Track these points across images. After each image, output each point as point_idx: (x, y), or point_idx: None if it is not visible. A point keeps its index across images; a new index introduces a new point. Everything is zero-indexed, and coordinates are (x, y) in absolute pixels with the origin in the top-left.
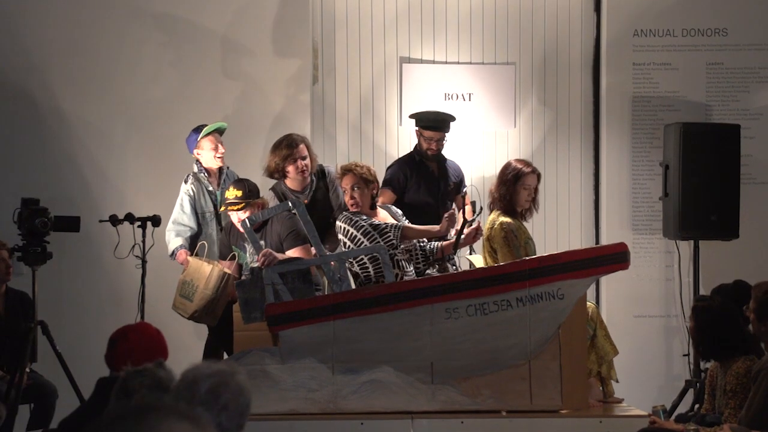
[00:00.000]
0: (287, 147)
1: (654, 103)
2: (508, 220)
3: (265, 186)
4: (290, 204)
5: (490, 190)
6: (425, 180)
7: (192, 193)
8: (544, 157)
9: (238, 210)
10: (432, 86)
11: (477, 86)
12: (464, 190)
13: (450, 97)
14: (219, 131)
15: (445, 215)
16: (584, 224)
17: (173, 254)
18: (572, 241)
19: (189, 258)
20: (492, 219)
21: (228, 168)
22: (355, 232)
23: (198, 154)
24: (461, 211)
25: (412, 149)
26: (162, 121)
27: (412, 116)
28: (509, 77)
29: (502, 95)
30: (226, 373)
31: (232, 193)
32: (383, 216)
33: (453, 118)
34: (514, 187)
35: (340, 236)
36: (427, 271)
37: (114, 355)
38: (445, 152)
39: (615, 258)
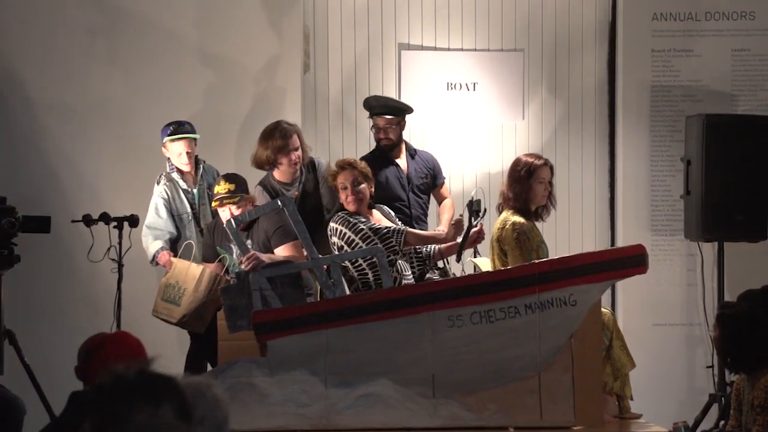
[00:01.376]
0: (281, 138)
1: (675, 92)
2: (521, 220)
3: (250, 179)
4: (279, 203)
5: (501, 191)
6: (391, 174)
7: (166, 195)
8: (555, 152)
9: (233, 203)
10: (433, 75)
11: (482, 75)
12: (472, 194)
13: (453, 86)
14: (190, 139)
15: (452, 221)
16: (599, 225)
17: (154, 258)
18: (586, 243)
19: (173, 259)
20: (503, 219)
21: (205, 162)
22: (352, 236)
23: (165, 153)
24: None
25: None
26: (141, 113)
27: (364, 104)
28: (517, 65)
29: (509, 85)
30: (201, 384)
31: (224, 187)
32: (378, 217)
33: (408, 108)
34: (529, 183)
35: (334, 239)
36: (427, 276)
37: (89, 366)
38: (434, 145)
39: (632, 261)
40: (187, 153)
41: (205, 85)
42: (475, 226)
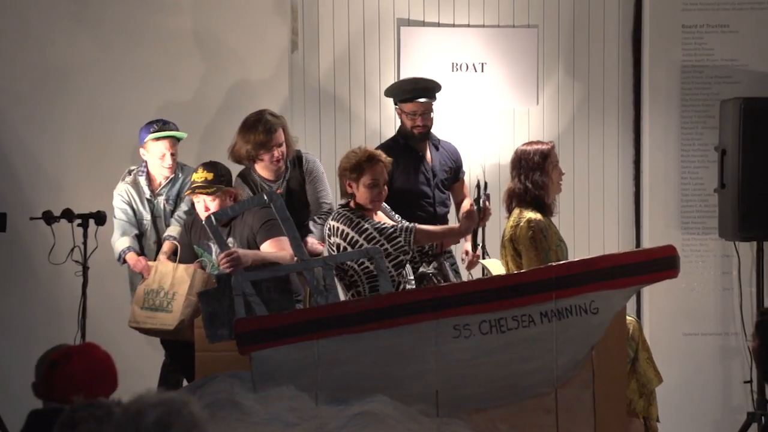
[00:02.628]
0: (264, 132)
1: (708, 74)
2: (537, 216)
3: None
4: (266, 197)
5: (508, 189)
6: (414, 166)
7: (126, 195)
8: (573, 141)
9: (207, 194)
10: (436, 55)
11: (491, 54)
12: (478, 173)
13: (458, 67)
14: (175, 138)
15: (463, 213)
16: (622, 223)
17: (120, 257)
18: (608, 244)
19: (152, 262)
20: (516, 216)
21: (185, 166)
22: (355, 236)
23: (144, 154)
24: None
25: (395, 133)
26: (110, 99)
27: (387, 93)
28: (530, 43)
29: (521, 65)
30: (176, 402)
31: (200, 175)
32: (380, 215)
33: (438, 86)
34: (544, 169)
35: (334, 239)
36: (421, 269)
37: (51, 381)
38: (439, 132)
39: (661, 264)
40: (171, 154)
41: (178, 65)
42: (481, 205)
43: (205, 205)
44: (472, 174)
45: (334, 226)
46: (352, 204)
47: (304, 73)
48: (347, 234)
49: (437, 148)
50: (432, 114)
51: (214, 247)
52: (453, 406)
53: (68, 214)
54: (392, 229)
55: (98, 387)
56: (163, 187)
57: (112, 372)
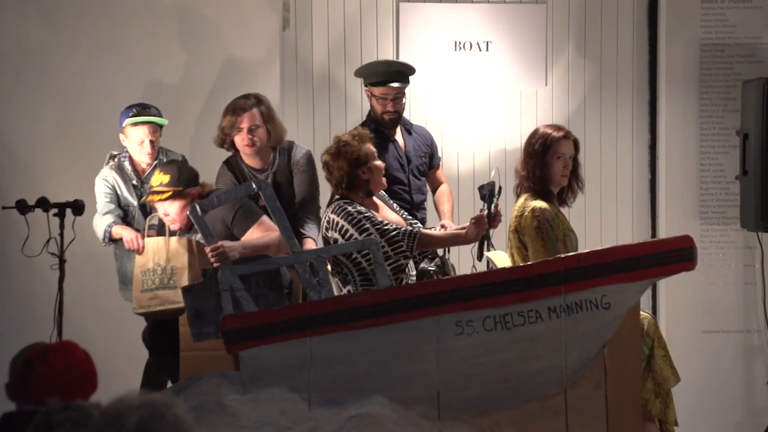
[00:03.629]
0: (232, 112)
1: (729, 52)
2: (542, 204)
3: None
4: (254, 185)
5: (515, 169)
6: (388, 152)
7: (110, 184)
8: (584, 125)
9: (162, 200)
10: (438, 32)
11: (497, 32)
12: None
13: (461, 46)
14: (156, 124)
15: (473, 218)
16: (637, 212)
17: (106, 236)
18: (621, 234)
19: (142, 240)
20: (521, 204)
21: (169, 152)
22: (355, 234)
23: (123, 139)
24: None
25: (365, 117)
26: (89, 81)
27: (357, 73)
28: (539, 20)
29: (529, 44)
30: (159, 404)
31: (157, 179)
32: (384, 213)
33: (411, 69)
34: (544, 159)
35: (330, 233)
36: (420, 266)
37: (26, 382)
38: (439, 116)
39: (678, 255)
40: (151, 141)
41: (162, 45)
42: (492, 211)
43: (164, 210)
44: (477, 160)
45: (333, 219)
46: (357, 193)
47: (297, 52)
48: (346, 231)
49: (410, 133)
50: (404, 99)
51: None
52: (455, 408)
53: (43, 203)
54: (395, 232)
55: (76, 388)
56: (150, 172)
57: (91, 372)
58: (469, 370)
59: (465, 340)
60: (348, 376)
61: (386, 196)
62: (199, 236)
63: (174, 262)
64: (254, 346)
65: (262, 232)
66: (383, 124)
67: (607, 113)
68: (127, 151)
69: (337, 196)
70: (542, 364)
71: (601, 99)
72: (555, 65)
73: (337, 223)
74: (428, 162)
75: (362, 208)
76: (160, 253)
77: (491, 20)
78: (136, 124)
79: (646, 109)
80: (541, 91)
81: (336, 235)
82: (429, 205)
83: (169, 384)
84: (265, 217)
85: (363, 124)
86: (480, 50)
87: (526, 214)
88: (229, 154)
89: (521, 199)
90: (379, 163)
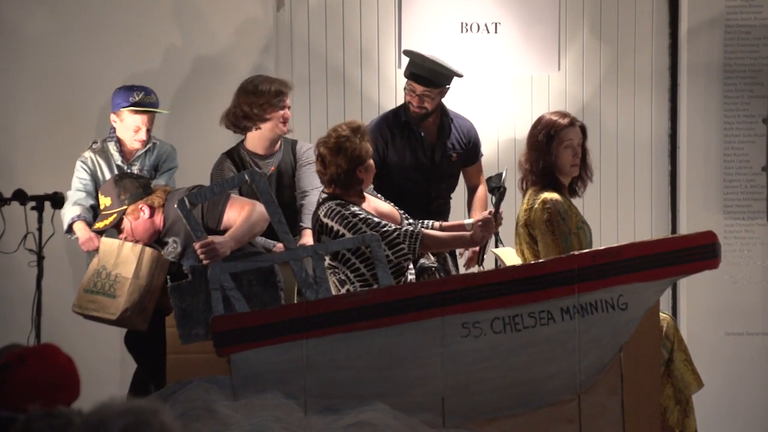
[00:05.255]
0: (275, 94)
1: (755, 35)
2: (553, 196)
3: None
4: (246, 176)
5: (519, 161)
6: (411, 146)
7: (90, 162)
8: (599, 112)
9: (107, 227)
10: (443, 14)
11: (506, 13)
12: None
13: (468, 28)
14: (153, 114)
15: (479, 221)
16: (656, 206)
17: (70, 228)
18: (639, 230)
19: (99, 238)
20: (529, 197)
21: (159, 142)
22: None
23: (115, 120)
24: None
25: (400, 103)
26: (71, 64)
27: (406, 52)
28: (551, 0)
29: (541, 25)
30: (144, 411)
31: (101, 202)
32: (374, 205)
33: (453, 75)
34: (549, 148)
35: (324, 237)
36: (421, 261)
37: (3, 387)
38: (455, 106)
39: (700, 253)
40: (147, 129)
41: (149, 26)
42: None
43: (122, 232)
44: (485, 150)
45: (327, 224)
46: (352, 192)
47: (292, 34)
48: (342, 236)
49: (447, 128)
50: (438, 98)
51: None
52: (461, 415)
53: (20, 196)
54: (395, 234)
55: (57, 394)
56: (138, 156)
57: (73, 377)
58: (476, 374)
59: (471, 343)
60: (346, 380)
61: (380, 196)
62: (170, 250)
63: (120, 269)
64: (246, 348)
65: (238, 210)
66: (408, 116)
67: (624, 100)
68: (114, 133)
69: (325, 195)
70: (554, 369)
71: (618, 85)
72: (568, 48)
73: (331, 227)
74: (462, 159)
75: (356, 209)
76: (110, 257)
77: (500, 1)
78: (136, 111)
79: (666, 95)
80: (554, 77)
81: (326, 239)
82: (459, 205)
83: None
84: (233, 195)
85: (394, 112)
86: (488, 32)
87: (536, 206)
88: (221, 146)
89: (530, 192)
90: (371, 162)
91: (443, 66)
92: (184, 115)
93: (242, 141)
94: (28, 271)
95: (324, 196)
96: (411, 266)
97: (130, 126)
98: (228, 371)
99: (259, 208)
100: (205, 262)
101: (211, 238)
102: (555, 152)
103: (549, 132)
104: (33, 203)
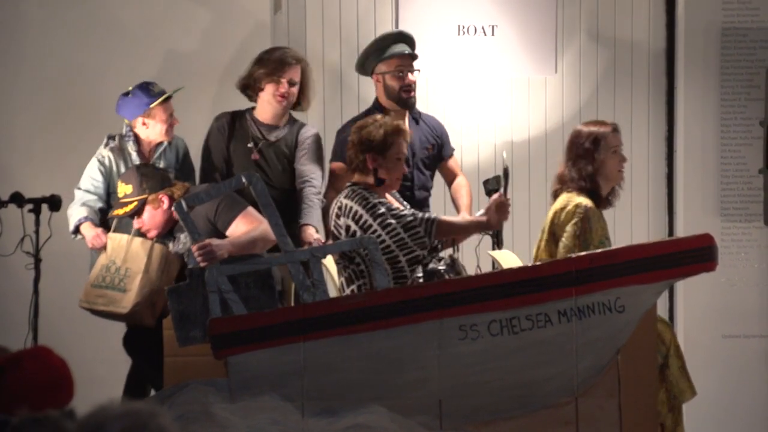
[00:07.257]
0: (278, 62)
1: (752, 37)
2: (588, 203)
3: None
4: (244, 179)
5: (558, 174)
6: None
7: (108, 162)
8: (596, 115)
9: (126, 215)
10: (440, 16)
11: (503, 16)
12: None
13: (465, 30)
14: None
15: (493, 203)
16: (653, 208)
17: (76, 229)
18: (636, 233)
19: (106, 235)
20: (565, 199)
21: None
22: (369, 220)
23: (144, 123)
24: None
25: (371, 104)
26: (67, 68)
27: (360, 62)
28: (548, 2)
29: (538, 28)
30: (142, 413)
31: (121, 190)
32: (390, 199)
33: (412, 37)
34: (594, 156)
35: (342, 219)
36: (430, 266)
37: None
38: (443, 105)
39: (696, 255)
40: (173, 111)
41: (146, 26)
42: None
43: (137, 221)
44: (481, 152)
45: (346, 205)
46: (370, 180)
47: (289, 36)
48: (360, 216)
49: (417, 122)
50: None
51: (183, 239)
52: (458, 417)
53: (17, 198)
54: (411, 218)
55: (52, 397)
56: (159, 153)
57: (67, 380)
58: (473, 377)
59: (469, 346)
60: (344, 383)
61: (397, 194)
62: (181, 246)
63: (130, 263)
64: (244, 351)
65: (247, 224)
66: (405, 105)
67: (621, 103)
68: (131, 130)
69: (349, 184)
70: (551, 371)
71: (615, 87)
72: (566, 51)
73: (351, 208)
74: (437, 154)
75: (379, 198)
76: (119, 252)
77: (497, 2)
78: (167, 99)
79: (663, 98)
80: (551, 79)
81: (349, 222)
82: (433, 201)
83: (153, 392)
84: (250, 208)
85: (367, 112)
86: (485, 35)
87: (569, 208)
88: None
89: (565, 195)
90: (393, 157)
91: (400, 30)
92: (181, 116)
93: (251, 98)
94: (25, 274)
95: (348, 184)
96: (420, 273)
97: (163, 119)
98: (225, 374)
99: (266, 227)
100: (202, 264)
101: (208, 240)
102: (602, 158)
103: (596, 139)
104: (30, 206)
